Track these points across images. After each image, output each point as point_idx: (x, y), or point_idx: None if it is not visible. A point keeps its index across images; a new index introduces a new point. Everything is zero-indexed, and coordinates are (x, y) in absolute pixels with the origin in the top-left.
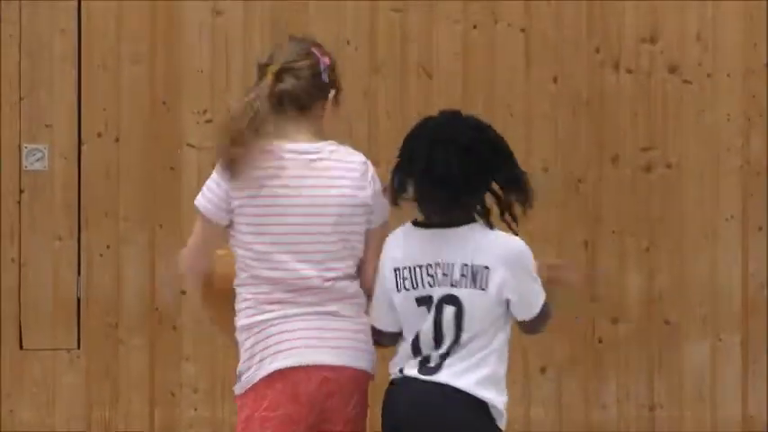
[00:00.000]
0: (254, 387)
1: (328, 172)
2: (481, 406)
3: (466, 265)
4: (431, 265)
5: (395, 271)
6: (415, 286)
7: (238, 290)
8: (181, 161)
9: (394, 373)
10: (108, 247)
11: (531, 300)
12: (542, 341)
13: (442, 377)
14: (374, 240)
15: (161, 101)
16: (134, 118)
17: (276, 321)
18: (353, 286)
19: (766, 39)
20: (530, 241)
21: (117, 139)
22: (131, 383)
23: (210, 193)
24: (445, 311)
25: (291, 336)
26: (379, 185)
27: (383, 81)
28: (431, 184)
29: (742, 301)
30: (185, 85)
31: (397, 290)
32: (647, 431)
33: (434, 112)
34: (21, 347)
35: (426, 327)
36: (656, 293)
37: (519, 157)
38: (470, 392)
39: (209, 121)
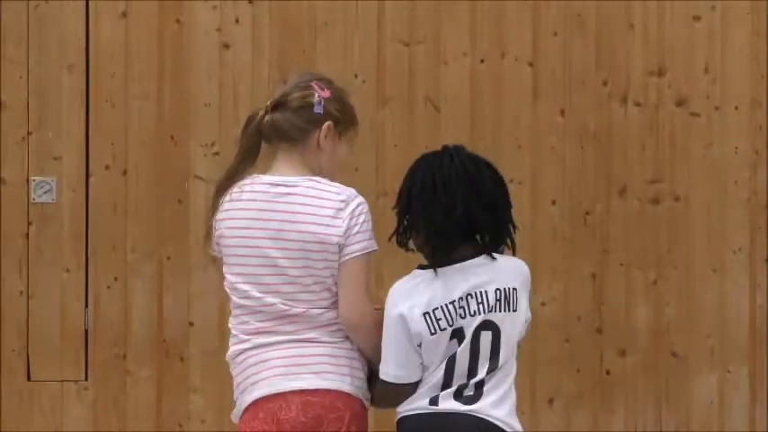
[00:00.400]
0: (243, 417)
1: (296, 207)
2: None
3: (498, 289)
4: (462, 298)
5: (425, 316)
6: (450, 324)
7: (229, 320)
8: (188, 193)
9: (421, 405)
10: (116, 279)
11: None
12: (550, 372)
13: (482, 407)
14: (346, 272)
15: (169, 134)
16: (142, 150)
17: (255, 351)
18: (329, 314)
19: None
20: (536, 273)
21: (125, 172)
22: (139, 415)
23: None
24: (482, 338)
25: (268, 365)
26: (361, 220)
27: (390, 114)
28: (453, 223)
29: (749, 333)
30: (193, 117)
31: (431, 333)
32: None
33: (442, 143)
34: (29, 379)
35: (462, 357)
36: (663, 325)
37: (527, 189)
38: (505, 426)
39: (216, 154)
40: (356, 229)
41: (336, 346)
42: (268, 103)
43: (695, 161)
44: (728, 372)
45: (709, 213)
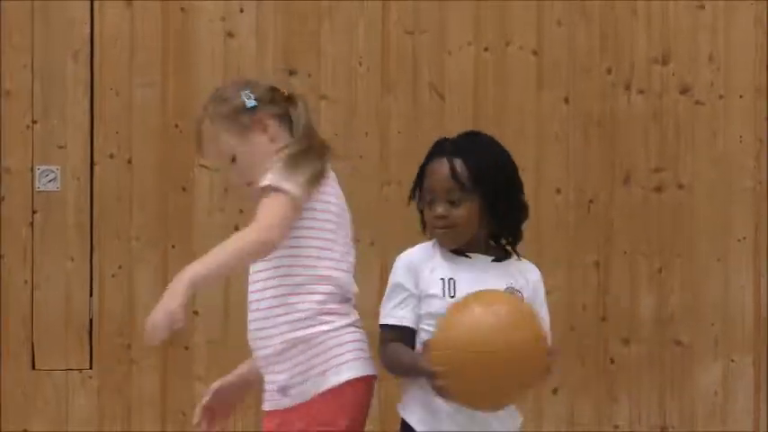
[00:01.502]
0: (322, 398)
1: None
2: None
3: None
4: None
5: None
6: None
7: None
8: (193, 182)
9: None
10: (120, 267)
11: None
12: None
13: None
14: None
15: (173, 122)
16: (146, 139)
17: (337, 332)
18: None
19: None
20: (540, 262)
21: (129, 161)
22: (143, 403)
23: None
24: None
25: (357, 345)
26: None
27: (395, 102)
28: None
29: (754, 322)
30: (198, 106)
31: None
32: None
33: (446, 132)
34: (33, 368)
35: None
36: (667, 314)
37: (530, 177)
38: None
39: None
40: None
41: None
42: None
43: (699, 150)
44: (732, 361)
45: (713, 202)
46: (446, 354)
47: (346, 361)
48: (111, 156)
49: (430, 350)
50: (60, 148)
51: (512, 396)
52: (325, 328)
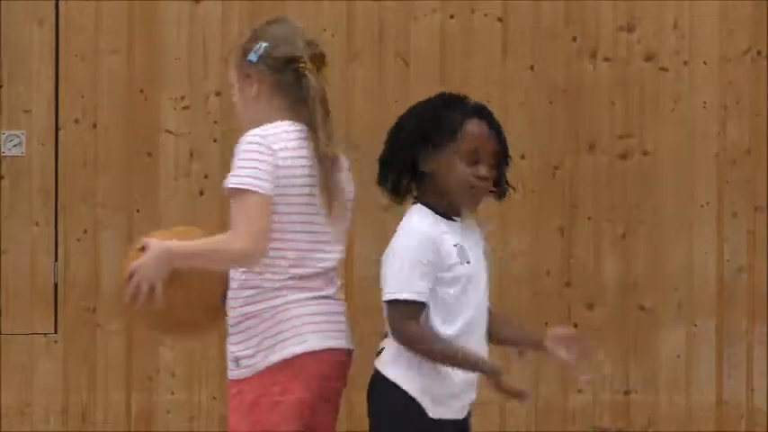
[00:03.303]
0: (271, 369)
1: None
2: None
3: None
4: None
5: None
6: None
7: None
8: (158, 147)
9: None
10: (85, 232)
11: None
12: None
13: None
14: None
15: (138, 87)
16: (111, 104)
17: (293, 305)
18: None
19: (743, 26)
20: (506, 227)
21: (94, 125)
22: (109, 368)
23: None
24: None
25: (314, 319)
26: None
27: (360, 69)
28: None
29: (717, 287)
30: (163, 71)
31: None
32: (623, 416)
33: (412, 99)
34: None
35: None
36: (631, 279)
37: None
38: None
39: (186, 108)
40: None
41: (343, 305)
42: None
43: (664, 116)
44: (695, 325)
45: (677, 168)
46: None
47: (301, 333)
48: (77, 121)
49: None
50: (26, 112)
51: None
52: (277, 302)
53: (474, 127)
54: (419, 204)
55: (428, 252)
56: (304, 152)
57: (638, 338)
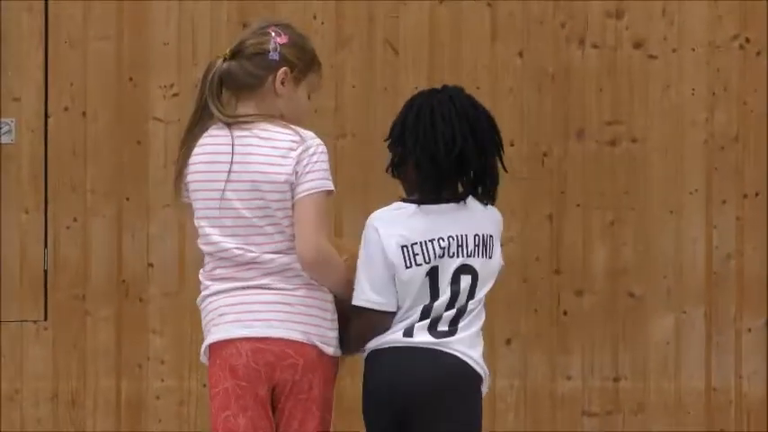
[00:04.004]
0: (209, 361)
1: (249, 148)
2: (480, 379)
3: (477, 235)
4: (443, 239)
5: (402, 248)
6: (427, 260)
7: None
8: (147, 135)
9: (394, 339)
10: (75, 219)
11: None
12: (508, 313)
13: (456, 344)
14: (299, 210)
15: (128, 75)
16: (101, 92)
17: (214, 297)
18: (283, 259)
19: (731, 13)
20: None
21: (84, 113)
22: (98, 355)
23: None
24: (462, 282)
25: (225, 310)
26: (315, 159)
27: (350, 56)
28: (450, 158)
29: (706, 274)
30: (152, 59)
31: (407, 266)
32: (612, 403)
33: (401, 86)
34: None
35: (443, 299)
36: (620, 266)
37: None
38: (477, 366)
39: (175, 95)
40: (309, 168)
41: (288, 293)
42: (227, 51)
43: (653, 103)
44: (684, 312)
45: (666, 155)
46: None
47: (214, 325)
48: (66, 108)
49: None
50: (15, 100)
51: None
52: (204, 293)
53: None
54: None
55: None
56: None
57: (626, 325)
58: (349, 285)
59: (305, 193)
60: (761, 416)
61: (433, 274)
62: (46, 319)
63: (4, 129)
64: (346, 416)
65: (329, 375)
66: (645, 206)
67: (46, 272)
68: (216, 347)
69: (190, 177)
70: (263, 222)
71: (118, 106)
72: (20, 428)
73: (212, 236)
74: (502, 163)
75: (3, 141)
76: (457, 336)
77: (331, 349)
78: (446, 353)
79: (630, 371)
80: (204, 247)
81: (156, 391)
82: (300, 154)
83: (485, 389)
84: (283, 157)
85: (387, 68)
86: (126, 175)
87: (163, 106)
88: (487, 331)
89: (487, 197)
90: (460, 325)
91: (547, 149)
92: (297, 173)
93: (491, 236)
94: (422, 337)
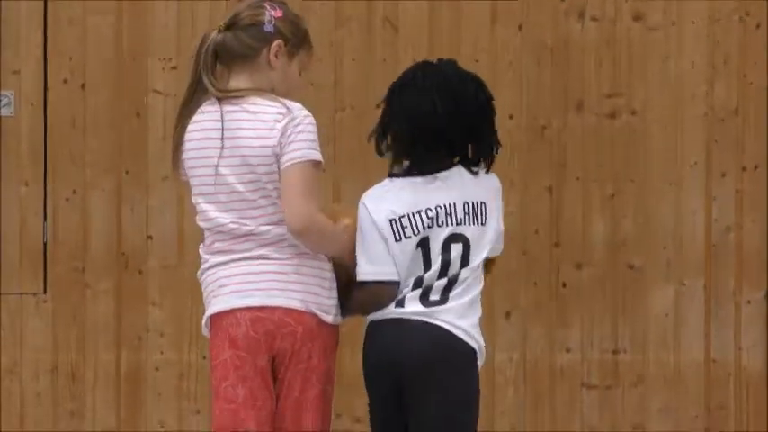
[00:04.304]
0: (210, 333)
1: (239, 123)
2: (472, 350)
3: (467, 203)
4: (430, 209)
5: (391, 222)
6: (416, 232)
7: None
8: (147, 107)
9: (388, 311)
10: (74, 192)
11: (503, 232)
12: (507, 285)
13: (446, 313)
14: (284, 180)
15: (127, 48)
16: (100, 65)
17: (213, 269)
18: (277, 230)
19: None
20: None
21: (83, 86)
22: (98, 327)
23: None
24: (453, 250)
25: (225, 281)
26: (299, 129)
27: (349, 35)
28: (429, 132)
29: (705, 246)
30: (151, 32)
31: (396, 239)
32: (611, 375)
33: (400, 59)
34: None
35: (434, 268)
36: (620, 239)
37: None
38: (467, 336)
39: (174, 68)
40: (292, 138)
41: (284, 262)
42: (221, 23)
43: (652, 76)
44: (684, 284)
45: (665, 127)
46: None
47: (214, 297)
48: (65, 81)
49: None
50: (14, 73)
51: None
52: (204, 266)
53: None
54: None
55: None
56: None
57: (626, 298)
58: (351, 252)
59: (288, 163)
60: (760, 388)
61: (424, 245)
62: (45, 291)
63: (4, 101)
64: (347, 391)
65: (329, 344)
66: (644, 179)
67: (45, 244)
68: (216, 319)
69: (186, 155)
70: (256, 196)
71: (117, 79)
72: (19, 401)
73: (209, 212)
74: (493, 135)
75: (2, 114)
76: (447, 305)
77: (330, 317)
78: (433, 324)
79: (630, 343)
80: (202, 224)
81: (156, 363)
82: (286, 125)
83: (480, 361)
84: (270, 129)
85: (386, 44)
86: (125, 147)
87: (162, 79)
88: (487, 304)
89: (476, 166)
90: (452, 294)
91: (546, 122)
92: (281, 144)
93: (483, 203)
94: (412, 307)
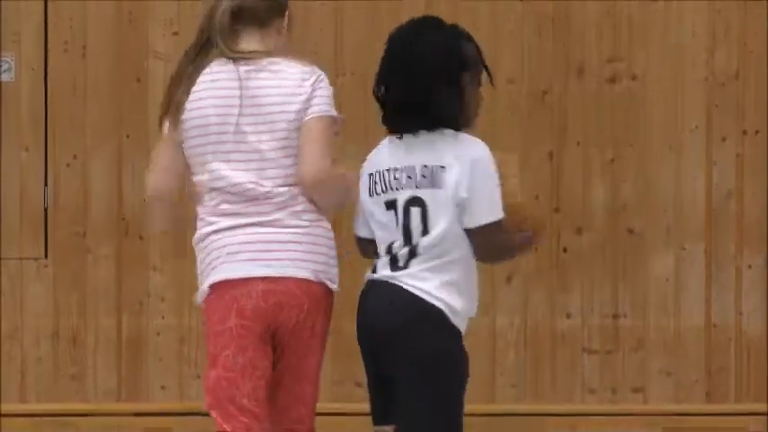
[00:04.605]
0: (207, 299)
1: (262, 82)
2: (435, 310)
3: (425, 166)
4: (396, 169)
5: (369, 176)
6: (384, 190)
7: (197, 207)
8: (147, 72)
9: (367, 276)
10: (75, 157)
11: (484, 203)
12: None
13: (408, 277)
14: (305, 131)
15: (127, 12)
16: (100, 30)
17: (221, 234)
18: (293, 190)
19: None
20: (495, 152)
21: (84, 51)
22: (99, 292)
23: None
24: (412, 214)
25: (238, 248)
26: (322, 86)
27: (350, 1)
28: (392, 93)
29: (706, 211)
30: None
31: (369, 195)
32: (611, 340)
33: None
34: None
35: (398, 231)
36: (620, 204)
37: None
38: (429, 297)
39: (175, 33)
40: (317, 94)
41: (298, 231)
42: None
43: (653, 43)
44: (684, 249)
45: (666, 92)
46: None
47: (222, 263)
48: (66, 44)
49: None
50: (14, 39)
51: None
52: (207, 229)
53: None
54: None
55: None
56: None
57: (626, 262)
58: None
59: (312, 116)
60: (760, 353)
61: (394, 207)
62: (46, 256)
63: (4, 66)
64: (348, 357)
65: (329, 310)
66: (645, 143)
67: (46, 210)
68: (224, 285)
69: (194, 113)
70: (280, 154)
71: (117, 44)
72: (20, 366)
73: (221, 170)
74: (453, 96)
75: (3, 79)
76: (409, 269)
77: (335, 285)
78: (393, 284)
79: (630, 308)
80: (211, 183)
81: (157, 328)
82: (314, 82)
83: (458, 322)
84: (298, 86)
85: (388, 11)
86: (126, 112)
87: (162, 44)
88: (488, 269)
89: (446, 127)
90: (414, 261)
91: (547, 87)
92: (308, 99)
93: (442, 167)
94: (382, 271)
